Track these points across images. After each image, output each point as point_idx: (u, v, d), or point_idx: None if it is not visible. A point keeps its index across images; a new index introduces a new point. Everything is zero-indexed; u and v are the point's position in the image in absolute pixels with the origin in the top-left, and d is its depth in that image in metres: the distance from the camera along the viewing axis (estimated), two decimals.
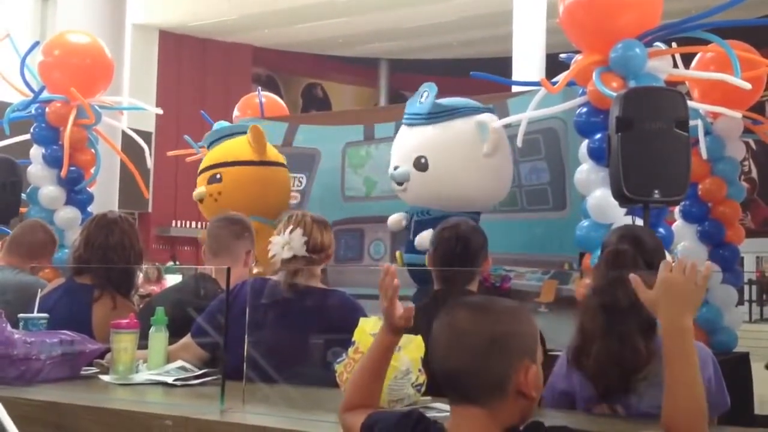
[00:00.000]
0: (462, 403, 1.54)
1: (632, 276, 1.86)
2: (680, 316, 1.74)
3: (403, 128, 4.61)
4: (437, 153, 4.41)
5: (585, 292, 2.40)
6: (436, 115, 4.43)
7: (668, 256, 3.99)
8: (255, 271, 3.20)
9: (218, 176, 5.04)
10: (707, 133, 5.11)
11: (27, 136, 5.88)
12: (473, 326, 1.53)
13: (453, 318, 1.57)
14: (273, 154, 5.25)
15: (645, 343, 2.24)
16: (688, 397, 1.73)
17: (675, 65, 4.50)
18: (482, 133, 4.42)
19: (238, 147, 5.15)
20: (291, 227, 2.77)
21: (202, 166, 5.23)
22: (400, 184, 4.50)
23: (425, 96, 4.49)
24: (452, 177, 4.42)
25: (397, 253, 4.63)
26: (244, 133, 5.22)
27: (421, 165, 4.40)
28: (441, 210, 4.30)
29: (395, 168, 4.50)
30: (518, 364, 1.52)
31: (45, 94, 5.79)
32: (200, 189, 5.10)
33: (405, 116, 4.60)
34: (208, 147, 5.33)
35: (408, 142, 4.53)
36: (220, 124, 5.59)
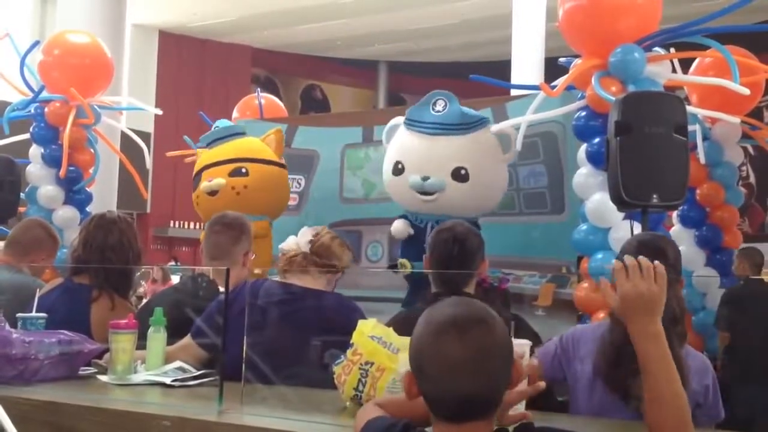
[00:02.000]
0: (468, 421, 1.49)
1: (602, 280, 1.86)
2: (648, 322, 1.76)
3: (421, 136, 4.48)
4: (476, 164, 4.45)
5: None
6: (468, 126, 4.44)
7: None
8: (256, 271, 3.19)
9: (243, 170, 4.94)
10: (705, 138, 5.13)
11: (26, 136, 5.89)
12: (492, 350, 1.47)
13: (471, 346, 1.47)
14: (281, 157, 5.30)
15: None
16: (673, 401, 1.73)
17: (674, 70, 4.51)
18: (505, 143, 4.51)
19: (257, 146, 5.15)
20: (306, 229, 2.83)
21: (209, 160, 5.04)
22: (428, 193, 4.41)
23: (442, 105, 4.45)
24: (487, 187, 4.55)
25: (404, 261, 4.50)
26: (243, 134, 5.23)
27: (460, 176, 4.39)
28: (462, 216, 4.32)
29: (424, 178, 4.37)
30: (512, 367, 1.53)
31: (44, 94, 5.80)
32: (218, 180, 4.88)
33: (421, 124, 4.48)
34: (208, 146, 5.23)
35: (438, 152, 4.44)
36: (223, 123, 5.49)
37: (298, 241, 2.82)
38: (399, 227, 4.52)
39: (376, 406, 1.81)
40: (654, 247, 2.53)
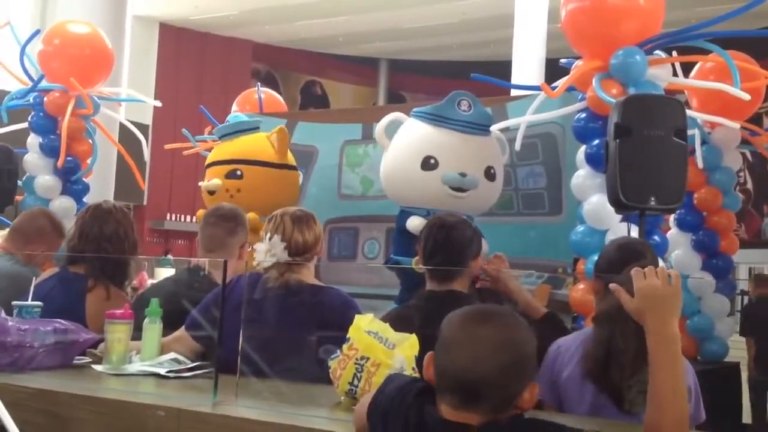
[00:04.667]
0: (466, 409, 1.54)
1: (613, 285, 1.90)
2: (666, 321, 1.80)
3: (453, 134, 4.44)
4: (498, 164, 4.54)
5: (604, 307, 2.37)
6: (488, 127, 4.51)
7: (662, 264, 4.00)
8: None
9: (239, 173, 5.00)
10: (704, 142, 5.14)
11: (25, 125, 5.87)
12: (506, 343, 1.54)
13: (484, 330, 1.55)
14: (290, 157, 5.27)
15: None
16: (674, 403, 1.76)
17: (675, 73, 4.51)
18: (502, 145, 4.60)
19: (258, 145, 5.14)
20: (269, 233, 2.76)
21: (216, 157, 5.16)
22: (461, 190, 4.38)
23: (467, 104, 4.46)
24: (500, 187, 4.59)
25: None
26: (257, 128, 5.22)
27: (490, 175, 4.44)
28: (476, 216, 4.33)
29: (462, 174, 4.34)
30: (528, 385, 1.56)
31: (44, 83, 5.78)
32: (215, 181, 5.00)
33: (452, 122, 4.44)
34: (220, 138, 5.25)
35: (474, 150, 4.46)
36: (237, 117, 5.44)
37: (273, 251, 2.73)
38: (419, 224, 4.42)
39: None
40: (633, 249, 2.55)
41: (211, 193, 5.02)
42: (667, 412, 1.77)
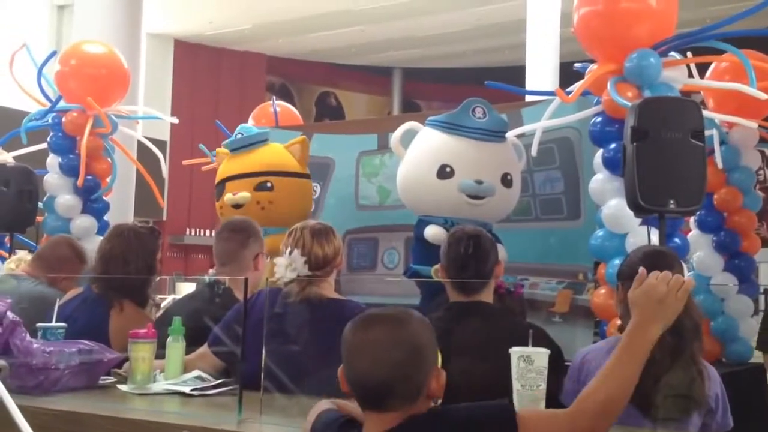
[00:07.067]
0: (379, 410, 1.65)
1: (642, 269, 1.92)
2: (650, 322, 1.81)
3: (468, 141, 4.47)
4: (515, 170, 4.58)
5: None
6: (505, 133, 4.53)
7: (686, 271, 3.98)
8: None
9: (269, 184, 4.92)
10: (722, 142, 5.11)
11: (44, 145, 5.92)
12: (395, 340, 1.65)
13: (374, 333, 1.67)
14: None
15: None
16: (614, 394, 1.77)
17: (690, 75, 4.48)
18: (518, 151, 4.64)
19: (281, 156, 5.11)
20: (290, 248, 2.78)
21: (237, 170, 5.00)
22: (478, 198, 4.41)
23: (481, 111, 4.47)
24: (517, 193, 4.63)
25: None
26: (267, 140, 5.20)
27: (507, 182, 4.48)
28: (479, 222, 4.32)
29: (478, 182, 4.37)
30: (432, 372, 1.67)
31: (62, 104, 5.82)
32: (243, 194, 4.86)
33: (467, 129, 4.47)
34: (233, 151, 5.13)
35: (489, 158, 4.48)
36: (246, 128, 5.36)
37: (294, 265, 2.76)
38: (436, 233, 4.41)
39: (329, 402, 1.93)
40: (658, 258, 2.54)
41: (238, 206, 4.86)
42: (602, 397, 1.77)
